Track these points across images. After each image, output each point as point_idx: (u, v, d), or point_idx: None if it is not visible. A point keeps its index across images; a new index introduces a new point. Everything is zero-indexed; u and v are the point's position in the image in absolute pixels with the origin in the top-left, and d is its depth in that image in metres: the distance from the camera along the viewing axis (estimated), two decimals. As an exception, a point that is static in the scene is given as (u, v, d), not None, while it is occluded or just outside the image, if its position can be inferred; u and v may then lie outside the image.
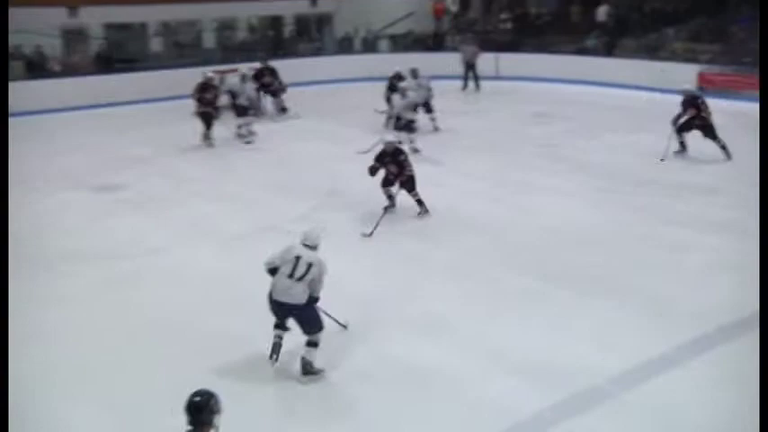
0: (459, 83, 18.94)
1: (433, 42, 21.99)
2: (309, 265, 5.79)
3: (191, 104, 13.59)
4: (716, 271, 7.71)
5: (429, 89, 14.05)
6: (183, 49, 20.87)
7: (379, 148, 9.53)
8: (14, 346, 6.38)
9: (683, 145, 11.91)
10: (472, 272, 7.91)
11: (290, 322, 5.98)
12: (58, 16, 18.29)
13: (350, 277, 7.74)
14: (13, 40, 16.87)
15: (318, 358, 5.91)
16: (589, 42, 20.11)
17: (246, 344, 6.36)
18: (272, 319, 6.06)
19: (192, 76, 16.09)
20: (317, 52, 21.65)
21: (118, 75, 18.18)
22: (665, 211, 9.55)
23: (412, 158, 9.78)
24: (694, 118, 11.66)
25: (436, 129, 14.15)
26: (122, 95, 17.17)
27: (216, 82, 14.03)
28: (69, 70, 17.93)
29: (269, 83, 16.01)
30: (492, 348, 6.32)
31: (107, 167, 12.18)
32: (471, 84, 19.03)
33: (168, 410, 4.12)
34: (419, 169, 9.75)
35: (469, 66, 18.92)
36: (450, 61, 19.31)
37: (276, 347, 5.94)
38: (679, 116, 11.76)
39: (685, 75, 17.00)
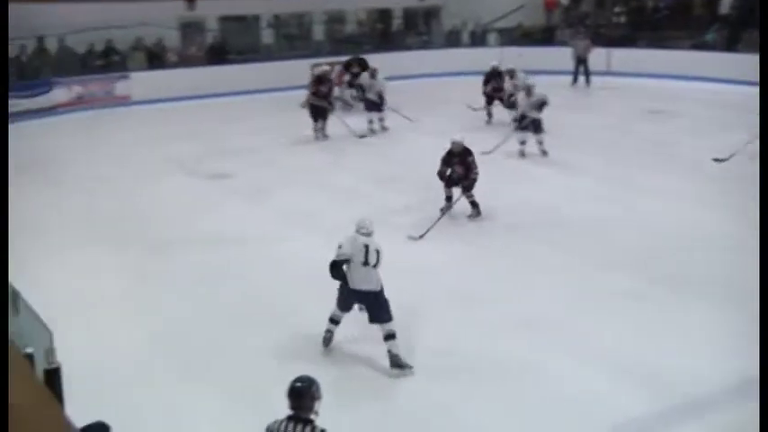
0: (568, 78, 18.48)
1: (543, 36, 21.52)
2: (377, 252, 5.92)
3: (299, 96, 13.79)
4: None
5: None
6: (292, 41, 21.27)
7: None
8: (121, 323, 6.73)
9: None
10: (575, 271, 7.72)
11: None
12: (176, 9, 19.00)
13: (450, 273, 7.72)
14: (135, 32, 17.75)
15: (422, 354, 5.86)
16: (708, 36, 19.17)
17: (343, 333, 6.41)
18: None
19: (301, 68, 16.45)
20: (425, 45, 21.60)
21: (230, 66, 18.75)
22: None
23: (538, 161, 9.56)
24: None
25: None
26: (234, 86, 17.65)
27: (331, 75, 14.17)
28: (185, 61, 18.61)
29: (356, 73, 15.97)
30: (594, 350, 6.16)
31: (218, 156, 12.55)
32: (581, 79, 18.53)
33: (269, 393, 4.19)
34: (513, 166, 9.59)
35: (581, 60, 18.45)
36: (560, 56, 18.87)
37: (328, 340, 6.16)
38: None
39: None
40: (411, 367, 5.86)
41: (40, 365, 3.59)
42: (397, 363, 5.84)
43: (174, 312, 6.97)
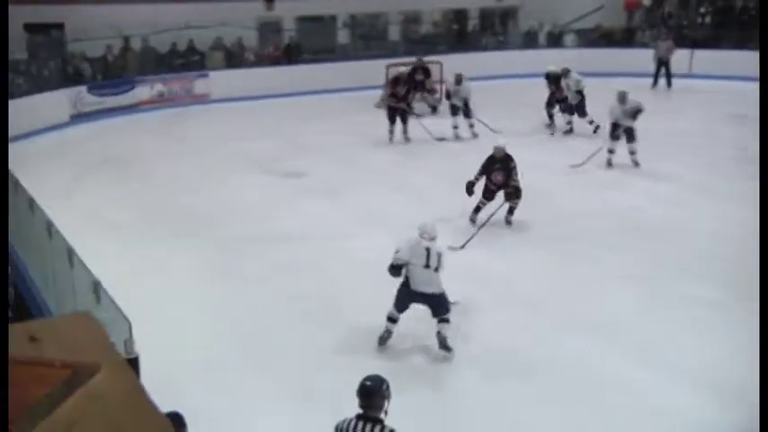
0: (648, 80, 17.98)
1: (623, 37, 21.01)
2: (439, 255, 5.98)
3: (375, 96, 13.83)
4: None
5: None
6: (368, 41, 21.37)
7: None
8: (193, 317, 6.86)
9: None
10: (650, 277, 7.54)
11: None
12: (255, 9, 19.34)
13: (520, 277, 7.63)
14: (215, 32, 18.18)
15: (486, 353, 5.81)
16: (802, 38, 18.34)
17: (414, 331, 6.40)
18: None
19: (376, 68, 16.50)
20: (501, 46, 21.39)
21: (306, 65, 18.98)
22: None
23: (625, 169, 9.27)
24: None
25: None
26: (309, 86, 17.86)
27: (406, 76, 14.01)
28: (262, 61, 18.92)
29: (420, 81, 15.86)
30: (669, 358, 6.03)
31: (292, 154, 12.71)
32: (662, 81, 18.02)
33: (338, 391, 4.20)
34: (591, 171, 9.34)
35: (662, 62, 17.93)
36: (641, 58, 18.39)
37: (384, 339, 6.20)
38: None
39: None
40: (452, 349, 6.04)
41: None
42: (444, 344, 6.04)
43: (246, 307, 7.08)
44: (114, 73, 16.91)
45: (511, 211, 9.04)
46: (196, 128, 15.22)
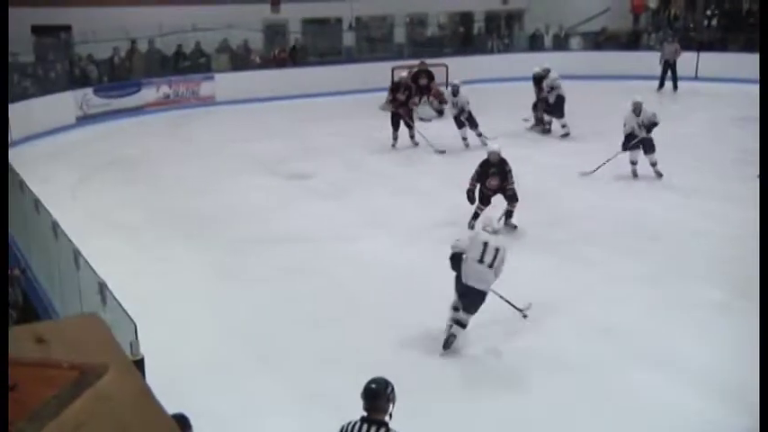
0: (654, 83, 17.95)
1: (629, 40, 20.99)
2: (497, 251, 5.97)
3: (380, 98, 13.81)
4: None
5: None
6: (374, 43, 21.39)
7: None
8: (200, 317, 6.87)
9: None
10: (656, 280, 7.52)
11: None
12: (261, 12, 19.38)
13: (525, 276, 7.62)
14: (221, 35, 18.22)
15: (495, 357, 5.81)
16: (808, 41, 18.31)
17: (420, 334, 6.42)
18: (441, 310, 6.07)
19: (382, 71, 16.51)
20: (507, 49, 21.38)
21: (312, 68, 19.01)
22: None
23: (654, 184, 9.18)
24: None
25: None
26: (315, 88, 17.87)
27: (408, 81, 13.75)
28: (268, 63, 18.96)
29: (424, 85, 15.85)
30: (673, 360, 6.04)
31: (297, 156, 12.73)
32: (668, 84, 17.99)
33: (343, 392, 4.20)
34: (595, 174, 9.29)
35: (668, 65, 17.90)
36: (647, 60, 18.37)
37: (450, 342, 6.11)
38: None
39: None
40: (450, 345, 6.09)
41: (125, 356, 3.69)
42: (448, 344, 6.08)
43: (251, 308, 7.09)
44: (121, 75, 16.96)
45: (510, 214, 9.02)
46: (202, 130, 15.25)
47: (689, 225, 9.03)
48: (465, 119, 12.86)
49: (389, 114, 13.24)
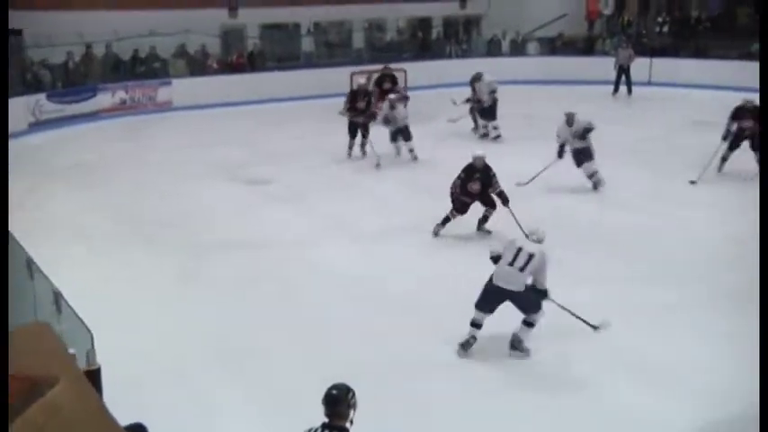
0: (609, 88, 18.28)
1: (585, 46, 21.35)
2: (530, 256, 6.08)
3: (340, 103, 13.78)
4: None
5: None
6: (332, 48, 21.39)
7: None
8: (160, 325, 6.79)
9: (725, 160, 11.06)
10: (616, 284, 7.61)
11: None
12: (219, 17, 19.24)
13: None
14: (178, 39, 18.05)
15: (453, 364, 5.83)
16: (755, 47, 18.81)
17: (382, 340, 6.42)
18: (397, 314, 6.07)
19: (341, 76, 16.51)
20: (465, 54, 21.55)
21: (270, 73, 18.92)
22: None
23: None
24: (744, 130, 10.80)
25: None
26: (274, 93, 17.78)
27: (370, 88, 13.71)
28: (226, 68, 18.82)
29: (389, 89, 15.90)
30: (631, 360, 6.13)
31: (256, 161, 12.65)
32: (623, 89, 18.33)
33: (304, 399, 4.18)
34: (555, 177, 9.41)
35: (623, 70, 18.25)
36: (602, 65, 18.70)
37: (469, 344, 6.23)
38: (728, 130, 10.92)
39: None
40: (528, 351, 6.19)
41: (81, 366, 3.63)
42: (515, 345, 6.20)
43: (212, 314, 7.02)
44: (75, 80, 16.67)
45: (486, 219, 9.07)
46: (160, 135, 15.06)
47: (644, 228, 9.18)
48: (400, 133, 12.51)
49: (348, 125, 12.92)
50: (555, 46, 21.47)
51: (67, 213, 10.02)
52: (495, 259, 6.24)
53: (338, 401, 3.86)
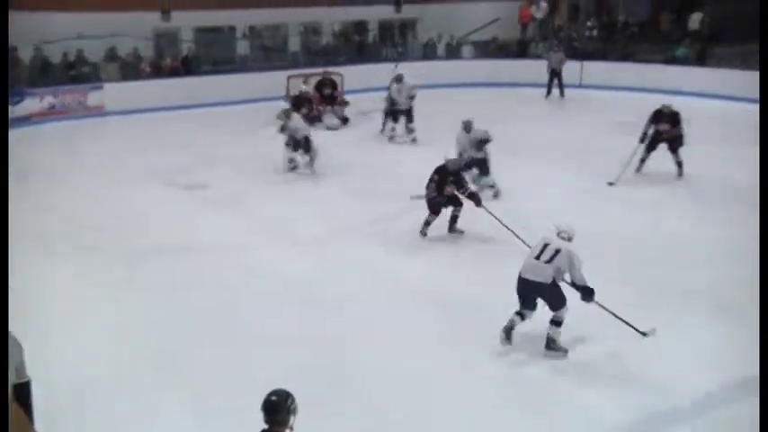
0: (542, 90, 18.66)
1: (518, 49, 21.75)
2: (556, 252, 6.23)
3: (277, 107, 13.72)
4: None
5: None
6: (268, 52, 21.25)
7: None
8: (99, 333, 6.66)
9: (643, 161, 11.50)
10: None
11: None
12: (151, 20, 18.91)
13: (424, 280, 7.79)
14: (109, 43, 17.66)
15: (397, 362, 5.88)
16: (679, 51, 19.50)
17: (323, 344, 6.44)
18: (336, 318, 6.13)
19: (277, 79, 16.43)
20: (400, 58, 21.68)
21: (205, 77, 18.69)
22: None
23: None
24: (661, 133, 11.25)
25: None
26: (209, 97, 17.56)
27: (311, 95, 13.47)
28: (159, 72, 18.52)
29: (329, 94, 15.92)
30: (580, 359, 6.27)
31: (193, 166, 12.49)
32: (555, 91, 18.74)
33: (246, 406, 4.17)
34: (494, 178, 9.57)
35: (555, 73, 18.64)
36: (535, 69, 19.07)
37: (509, 331, 6.39)
38: (645, 133, 11.35)
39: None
40: (566, 351, 6.31)
41: (11, 380, 3.54)
42: (550, 346, 6.33)
43: (152, 323, 6.94)
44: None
45: (455, 219, 9.15)
46: (92, 141, 14.72)
47: (580, 226, 9.31)
48: (302, 144, 12.16)
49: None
50: (489, 49, 21.80)
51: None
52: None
53: (278, 408, 3.85)
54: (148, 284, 7.79)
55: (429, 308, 7.20)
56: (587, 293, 6.25)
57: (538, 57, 20.45)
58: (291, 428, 3.88)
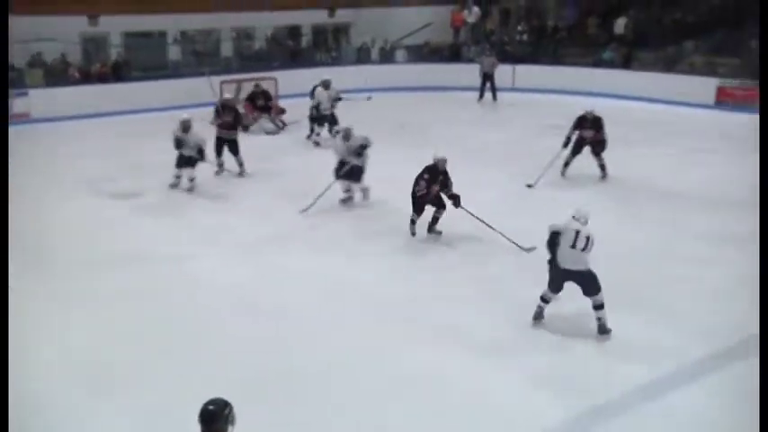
0: (475, 94, 18.93)
1: (451, 53, 22.02)
2: (587, 238, 6.56)
3: (209, 113, 13.51)
4: (732, 287, 7.68)
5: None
6: (201, 57, 20.98)
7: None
8: (32, 347, 6.47)
9: (567, 165, 11.87)
10: (485, 282, 7.93)
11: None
12: (78, 24, 18.44)
13: (365, 283, 7.82)
14: (35, 47, 17.15)
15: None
16: (606, 55, 20.06)
17: (263, 350, 6.41)
18: (273, 324, 6.05)
19: (210, 85, 16.23)
20: (334, 62, 21.70)
21: (136, 83, 18.32)
22: (687, 225, 9.49)
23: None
24: (585, 139, 11.61)
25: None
26: (140, 103, 17.23)
27: (234, 103, 13.07)
28: (89, 78, 18.08)
29: (262, 106, 15.86)
30: (510, 359, 6.37)
31: (124, 174, 12.24)
32: (488, 95, 19.02)
33: (184, 416, 4.12)
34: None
35: (487, 77, 18.92)
36: (467, 72, 19.33)
37: (540, 316, 6.87)
38: (568, 137, 11.70)
39: (704, 88, 16.97)
40: (609, 330, 6.66)
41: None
42: (603, 329, 6.65)
43: (84, 335, 6.78)
44: None
45: (436, 220, 9.18)
46: (17, 149, 14.11)
47: (513, 227, 9.52)
48: (196, 154, 11.61)
49: (215, 140, 12.32)
50: (422, 53, 22.01)
51: None
52: (554, 236, 6.67)
53: (215, 417, 3.82)
54: (83, 297, 7.59)
55: (372, 311, 7.23)
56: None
57: (470, 60, 20.74)
58: (230, 439, 3.85)
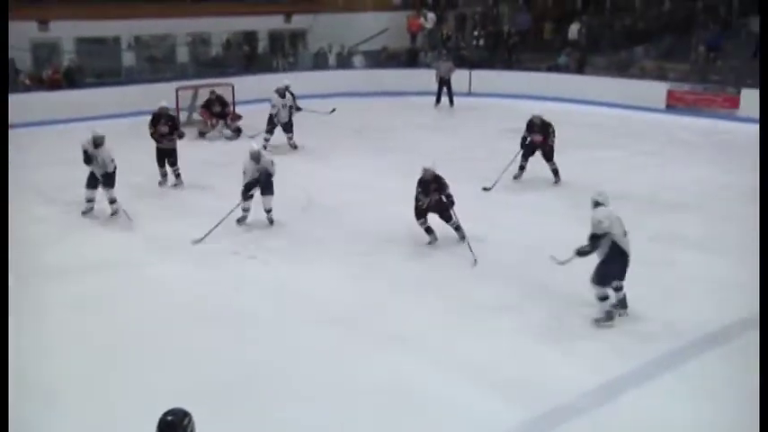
0: (432, 99, 19.05)
1: (408, 58, 22.14)
2: (619, 219, 6.72)
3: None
4: (688, 286, 7.84)
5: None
6: (156, 63, 20.76)
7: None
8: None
9: (522, 168, 12.07)
10: (444, 287, 7.99)
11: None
12: (28, 30, 18.09)
13: (322, 290, 7.82)
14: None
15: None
16: (560, 60, 20.38)
17: (222, 360, 6.36)
18: (236, 331, 6.02)
19: (166, 91, 16.07)
20: (291, 68, 21.65)
21: (89, 89, 18.05)
22: (638, 227, 9.65)
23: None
24: (535, 143, 11.81)
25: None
26: (94, 110, 16.90)
27: (171, 111, 12.75)
28: (40, 85, 17.74)
29: (218, 112, 15.79)
30: (462, 363, 6.39)
31: (78, 182, 11.98)
32: (444, 100, 19.16)
33: (144, 429, 4.07)
34: (386, 186, 9.69)
35: (444, 82, 19.06)
36: (424, 77, 19.45)
37: (611, 316, 6.92)
38: (524, 139, 11.91)
39: (655, 92, 17.35)
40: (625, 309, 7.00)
41: None
42: (623, 305, 7.01)
43: (39, 347, 6.64)
44: None
45: (457, 229, 9.21)
46: (-35, 158, 13.92)
47: (469, 232, 9.64)
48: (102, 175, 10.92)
49: (156, 151, 12.18)
50: (379, 59, 22.10)
51: None
52: (604, 236, 6.62)
53: (174, 428, 3.77)
54: (37, 307, 7.48)
55: (326, 319, 7.22)
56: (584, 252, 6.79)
57: (427, 66, 20.90)
58: (190, 450, 3.82)
